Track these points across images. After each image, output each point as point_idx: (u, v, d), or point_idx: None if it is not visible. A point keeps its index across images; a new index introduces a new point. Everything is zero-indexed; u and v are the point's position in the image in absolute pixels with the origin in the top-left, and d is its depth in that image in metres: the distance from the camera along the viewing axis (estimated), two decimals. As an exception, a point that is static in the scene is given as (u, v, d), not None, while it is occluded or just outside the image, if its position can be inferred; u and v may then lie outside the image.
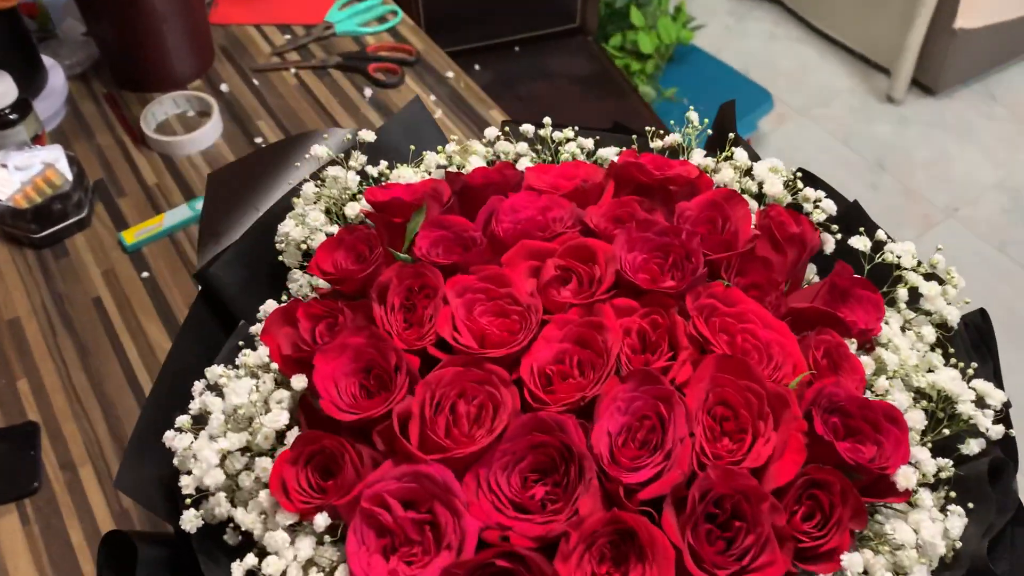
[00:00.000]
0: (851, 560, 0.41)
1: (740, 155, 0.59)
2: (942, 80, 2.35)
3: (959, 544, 0.45)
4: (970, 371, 0.51)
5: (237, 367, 0.51)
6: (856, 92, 2.41)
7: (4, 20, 1.10)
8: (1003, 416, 0.50)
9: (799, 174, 0.59)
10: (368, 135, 0.60)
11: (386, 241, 0.54)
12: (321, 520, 0.44)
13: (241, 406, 0.48)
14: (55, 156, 1.07)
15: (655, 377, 0.46)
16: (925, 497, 0.46)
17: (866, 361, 0.51)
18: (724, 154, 0.60)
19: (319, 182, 0.59)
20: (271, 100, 1.17)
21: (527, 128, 0.62)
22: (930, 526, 0.43)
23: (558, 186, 0.58)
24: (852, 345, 0.51)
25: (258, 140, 1.11)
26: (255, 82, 1.19)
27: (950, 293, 0.55)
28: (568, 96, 1.89)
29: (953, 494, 0.47)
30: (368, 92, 1.17)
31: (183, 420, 0.49)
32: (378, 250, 0.53)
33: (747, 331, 0.49)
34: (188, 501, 0.47)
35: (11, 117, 1.05)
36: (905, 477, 0.45)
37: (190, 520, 0.47)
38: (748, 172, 0.61)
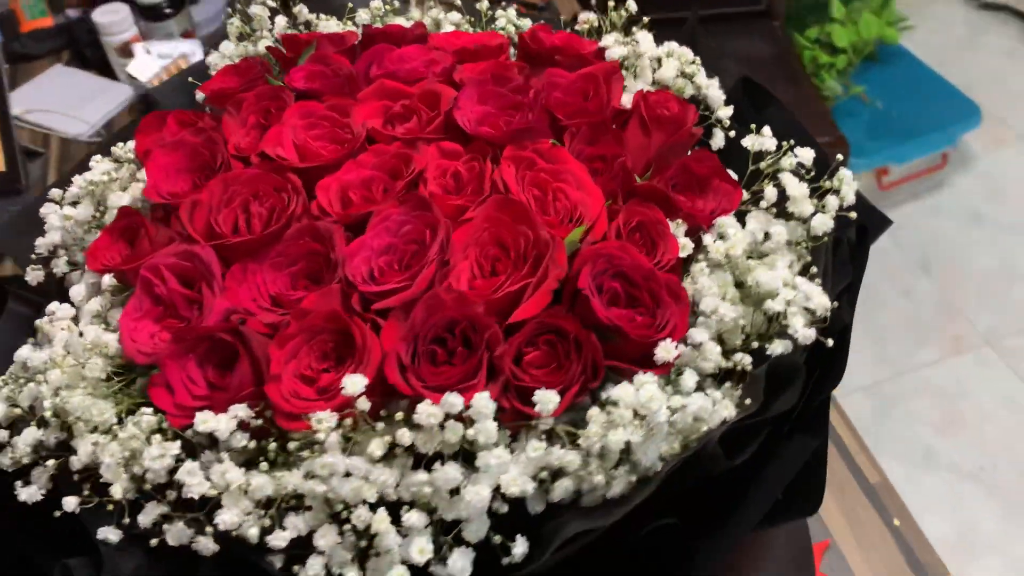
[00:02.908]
0: (544, 398, 0.40)
1: (644, 39, 0.57)
2: None
3: (702, 427, 0.42)
4: (808, 275, 0.47)
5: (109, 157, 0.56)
6: None
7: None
8: (826, 326, 0.46)
9: (696, 65, 0.56)
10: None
11: (269, 71, 0.57)
12: (107, 279, 0.48)
13: (96, 183, 0.53)
14: (192, 50, 1.20)
15: (428, 204, 0.46)
16: (688, 380, 0.43)
17: (685, 243, 0.48)
18: (632, 37, 0.58)
19: (242, 17, 0.63)
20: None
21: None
22: (651, 386, 0.40)
23: (461, 48, 0.59)
24: (679, 227, 0.49)
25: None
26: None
27: (830, 204, 0.51)
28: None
29: (729, 385, 0.44)
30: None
31: (55, 192, 0.55)
32: (260, 74, 0.57)
33: (559, 189, 0.48)
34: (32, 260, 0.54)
35: (166, 11, 1.20)
36: (665, 350, 0.43)
37: (32, 274, 0.53)
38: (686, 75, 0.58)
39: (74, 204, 0.55)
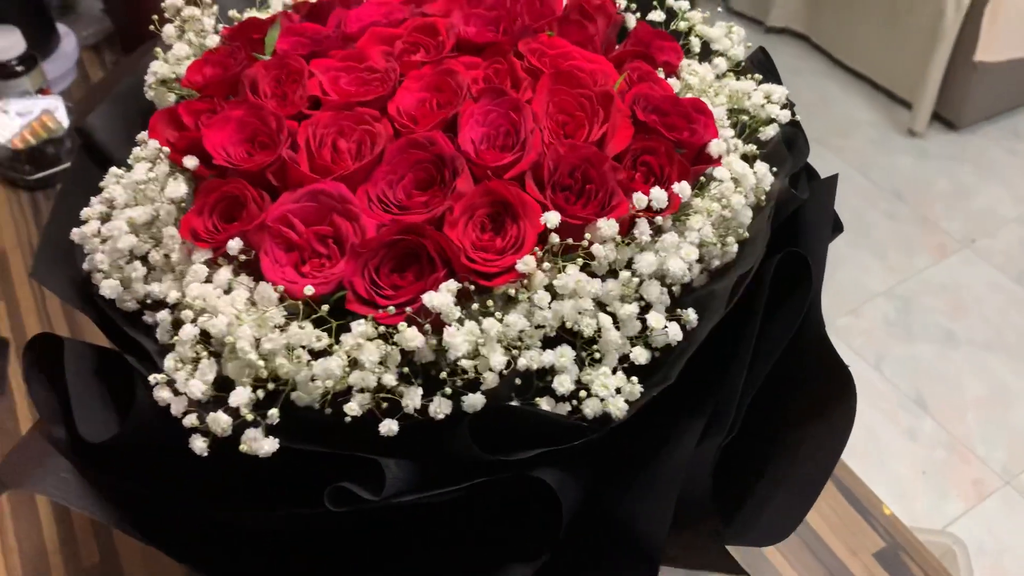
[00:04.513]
0: (681, 187, 0.50)
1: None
2: (964, 115, 2.32)
3: (767, 186, 0.55)
4: (757, 81, 0.63)
5: (130, 165, 0.56)
6: (877, 125, 2.42)
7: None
8: (790, 107, 0.62)
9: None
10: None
11: (250, 52, 0.60)
12: (234, 244, 0.49)
13: (142, 181, 0.52)
14: (54, 105, 1.10)
15: (503, 91, 0.54)
16: (735, 159, 0.56)
17: (672, 83, 0.61)
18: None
19: (179, 22, 0.64)
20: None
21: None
22: (739, 162, 0.53)
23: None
24: (660, 73, 0.62)
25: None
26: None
27: (734, 38, 0.67)
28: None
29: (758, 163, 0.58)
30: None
31: (87, 212, 0.53)
32: (243, 56, 0.59)
33: (573, 65, 0.58)
34: (102, 275, 0.51)
35: (16, 68, 1.13)
36: (717, 146, 0.55)
37: (109, 287, 0.51)
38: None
39: (106, 218, 0.54)
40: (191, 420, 0.46)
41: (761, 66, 0.67)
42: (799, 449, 0.53)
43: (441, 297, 0.46)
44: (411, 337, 0.44)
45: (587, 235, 0.49)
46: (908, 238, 2.10)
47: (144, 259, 0.53)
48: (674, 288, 0.52)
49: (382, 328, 0.46)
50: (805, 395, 0.54)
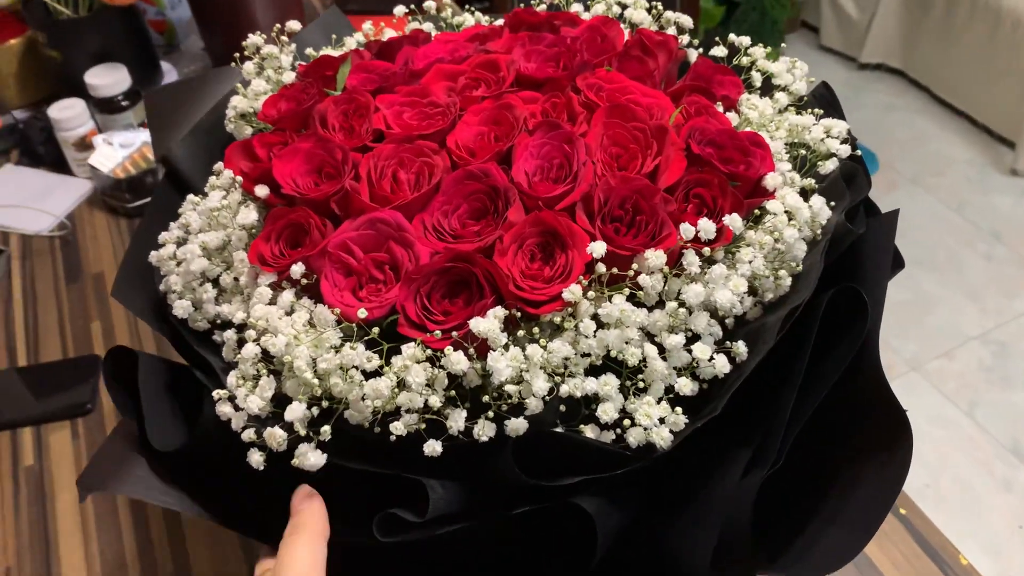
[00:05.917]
0: (732, 220, 0.50)
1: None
2: (1069, 153, 2.23)
3: (823, 220, 0.55)
4: (818, 115, 0.62)
5: (206, 193, 0.59)
6: (975, 163, 2.36)
7: (126, 23, 1.30)
8: (850, 142, 0.61)
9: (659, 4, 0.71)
10: (294, 24, 0.70)
11: (322, 88, 0.63)
12: (297, 269, 0.51)
13: (216, 208, 0.56)
14: None
15: (557, 124, 0.55)
16: (789, 192, 0.56)
17: (731, 116, 0.61)
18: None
19: (258, 59, 0.68)
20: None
21: (430, 5, 0.73)
22: (792, 195, 0.53)
23: (468, 34, 0.69)
24: (719, 107, 0.62)
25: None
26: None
27: (796, 73, 0.67)
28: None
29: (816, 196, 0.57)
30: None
31: (164, 236, 0.57)
32: (315, 91, 0.62)
33: (629, 99, 0.59)
34: (176, 295, 0.55)
35: (122, 103, 1.23)
36: (773, 179, 0.55)
37: (181, 307, 0.54)
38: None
39: (182, 242, 0.57)
40: (249, 434, 0.48)
41: (823, 100, 0.67)
42: (854, 488, 0.52)
43: (487, 323, 0.47)
44: (456, 361, 0.46)
45: (635, 265, 0.49)
46: (1007, 280, 2.00)
47: (215, 281, 0.56)
48: (727, 320, 0.52)
49: (429, 351, 0.47)
50: (861, 434, 0.52)
